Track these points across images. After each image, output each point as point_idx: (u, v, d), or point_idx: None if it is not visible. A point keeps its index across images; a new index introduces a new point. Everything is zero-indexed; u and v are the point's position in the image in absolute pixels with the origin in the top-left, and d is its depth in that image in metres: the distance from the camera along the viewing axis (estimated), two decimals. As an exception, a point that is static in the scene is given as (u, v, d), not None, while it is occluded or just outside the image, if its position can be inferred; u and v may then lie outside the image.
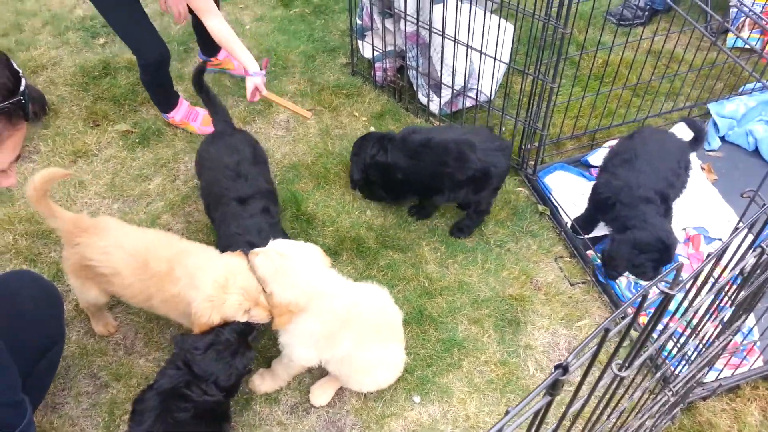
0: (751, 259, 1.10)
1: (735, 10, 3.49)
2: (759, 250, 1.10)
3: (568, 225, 2.85)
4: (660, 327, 1.50)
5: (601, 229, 2.84)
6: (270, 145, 3.18)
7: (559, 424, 0.93)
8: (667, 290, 0.83)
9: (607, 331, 0.75)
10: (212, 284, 2.00)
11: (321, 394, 2.34)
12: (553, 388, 0.73)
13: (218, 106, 2.73)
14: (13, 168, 1.58)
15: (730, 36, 3.67)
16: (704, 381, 2.30)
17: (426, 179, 2.68)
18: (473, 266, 2.75)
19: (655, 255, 2.44)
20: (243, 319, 2.06)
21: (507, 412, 0.68)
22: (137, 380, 2.36)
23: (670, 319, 2.43)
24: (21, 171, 2.99)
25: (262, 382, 2.33)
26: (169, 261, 2.09)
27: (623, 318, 0.81)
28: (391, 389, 2.38)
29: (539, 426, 0.80)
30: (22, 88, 1.46)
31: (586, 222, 2.82)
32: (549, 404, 0.76)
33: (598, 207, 2.68)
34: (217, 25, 2.70)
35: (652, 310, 0.89)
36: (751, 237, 1.19)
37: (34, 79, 3.45)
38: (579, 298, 2.67)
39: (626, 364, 0.95)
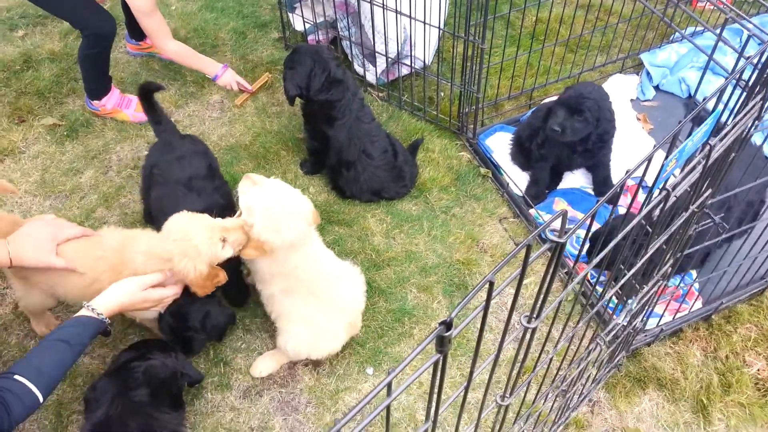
0: (656, 202, 1.11)
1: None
2: (665, 192, 1.10)
3: (510, 185, 2.86)
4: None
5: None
6: (206, 128, 3.10)
7: (469, 380, 0.93)
8: (555, 238, 0.82)
9: (491, 283, 0.74)
10: (174, 243, 1.97)
11: (258, 364, 2.34)
12: (441, 344, 0.72)
13: (163, 115, 2.57)
14: None
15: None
16: (647, 328, 2.35)
17: None
18: (419, 234, 2.75)
19: (573, 100, 2.53)
20: (227, 252, 2.05)
21: (388, 373, 0.67)
22: (83, 379, 2.31)
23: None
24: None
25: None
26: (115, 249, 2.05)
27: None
28: (343, 363, 2.38)
29: (440, 384, 0.80)
30: None
31: (535, 183, 2.84)
32: (442, 362, 0.75)
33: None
34: (174, 47, 2.75)
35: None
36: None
37: (-50, 77, 3.29)
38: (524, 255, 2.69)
39: (534, 315, 0.95)
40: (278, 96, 3.26)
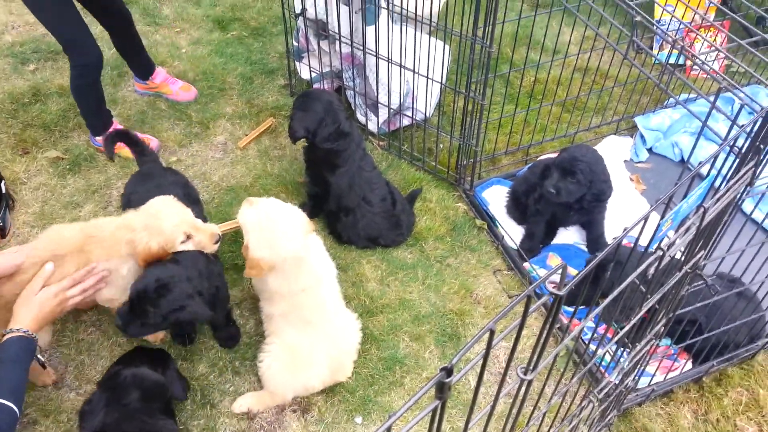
0: (652, 262, 1.14)
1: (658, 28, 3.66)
2: (660, 252, 1.13)
3: (505, 238, 2.90)
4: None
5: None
6: (207, 168, 3.15)
7: (466, 427, 0.94)
8: (554, 291, 0.85)
9: (492, 332, 0.76)
10: (145, 216, 2.09)
11: (240, 399, 2.34)
12: (440, 390, 0.73)
13: (143, 146, 2.66)
14: None
15: (656, 52, 3.83)
16: (638, 387, 2.35)
17: None
18: (414, 282, 2.76)
19: (566, 164, 2.61)
20: (184, 245, 2.12)
21: (389, 417, 0.68)
22: (67, 415, 2.27)
23: (602, 328, 2.48)
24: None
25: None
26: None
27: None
28: (332, 411, 2.35)
29: (438, 428, 0.80)
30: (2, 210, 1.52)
31: (530, 237, 2.88)
32: (441, 408, 0.76)
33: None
34: None
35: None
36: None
37: (-41, 106, 3.34)
38: (517, 309, 2.70)
39: (531, 367, 0.96)
40: (281, 140, 3.32)
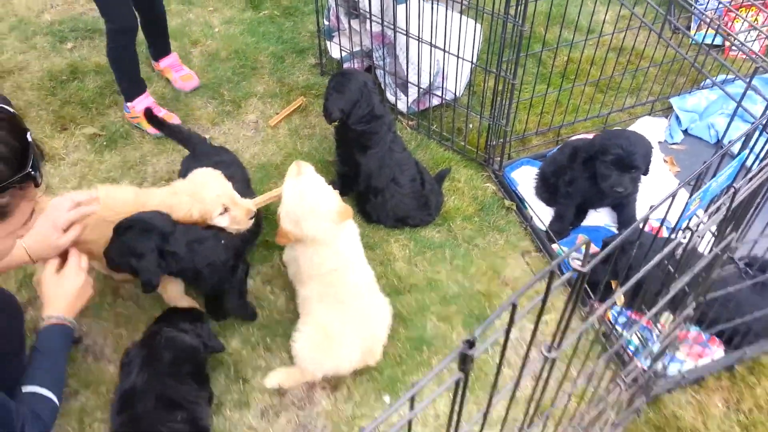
0: (680, 241, 1.13)
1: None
2: (689, 232, 1.13)
3: (534, 219, 2.88)
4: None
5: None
6: (239, 146, 3.19)
7: (487, 407, 0.95)
8: (579, 267, 0.85)
9: (514, 306, 0.77)
10: (189, 184, 2.23)
11: (271, 374, 2.38)
12: (463, 362, 0.75)
13: (186, 132, 2.74)
14: (27, 228, 1.65)
15: (693, 32, 3.73)
16: (668, 374, 2.33)
17: None
18: (441, 263, 2.78)
19: (615, 149, 2.56)
20: (221, 217, 2.23)
21: (413, 385, 0.70)
22: (107, 387, 2.35)
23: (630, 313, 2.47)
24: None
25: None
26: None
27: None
28: (360, 389, 2.39)
29: (460, 405, 0.82)
30: (31, 160, 1.49)
31: (560, 219, 2.87)
32: (464, 381, 0.78)
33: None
34: None
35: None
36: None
37: (1, 84, 3.43)
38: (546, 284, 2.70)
39: (555, 345, 0.97)
40: (311, 119, 3.34)
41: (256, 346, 2.49)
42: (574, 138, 3.08)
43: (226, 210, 2.25)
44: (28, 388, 1.79)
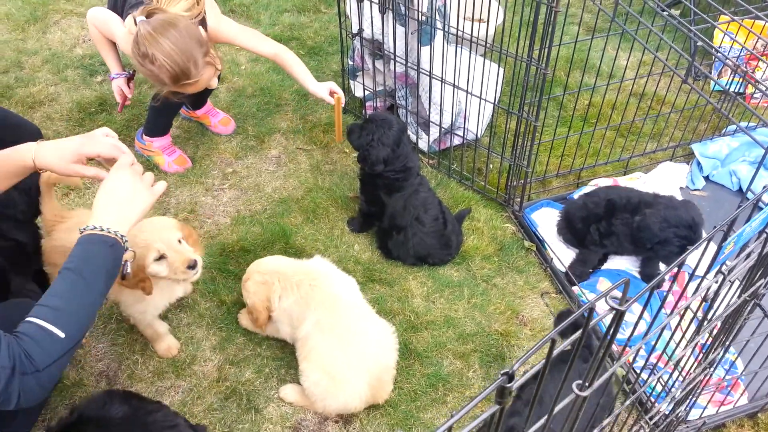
0: (712, 284, 1.12)
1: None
2: (721, 274, 1.12)
3: (554, 261, 2.87)
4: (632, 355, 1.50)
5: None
6: (261, 179, 3.23)
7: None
8: (616, 306, 0.85)
9: (553, 341, 0.77)
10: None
11: (289, 390, 2.40)
12: (501, 395, 0.74)
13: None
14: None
15: (716, 78, 3.77)
16: (689, 419, 2.28)
17: None
18: (459, 301, 2.76)
19: (684, 231, 2.51)
20: (157, 264, 2.07)
21: (452, 416, 0.69)
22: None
23: (654, 356, 2.43)
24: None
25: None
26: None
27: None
28: (374, 424, 2.36)
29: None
30: None
31: (583, 263, 2.86)
32: (499, 413, 0.77)
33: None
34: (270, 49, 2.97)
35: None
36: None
37: (31, 114, 3.52)
38: (585, 321, 2.67)
39: (586, 383, 0.96)
40: (332, 155, 3.39)
41: (270, 377, 2.47)
42: (603, 184, 3.07)
43: (161, 257, 2.08)
44: (29, 319, 1.52)
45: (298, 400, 2.38)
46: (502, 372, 0.71)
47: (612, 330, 0.88)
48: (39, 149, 1.76)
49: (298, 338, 2.31)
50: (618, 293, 2.70)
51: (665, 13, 2.07)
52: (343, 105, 3.06)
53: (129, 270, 1.78)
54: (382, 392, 2.36)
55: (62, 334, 1.49)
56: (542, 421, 0.90)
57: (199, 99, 3.35)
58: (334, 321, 2.26)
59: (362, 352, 2.26)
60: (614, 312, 0.84)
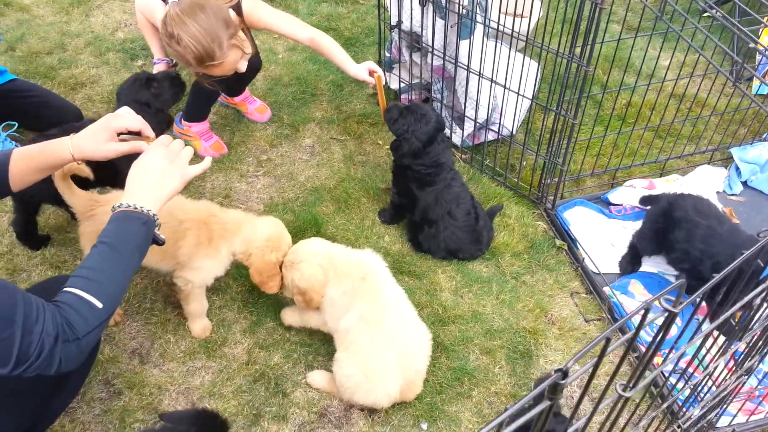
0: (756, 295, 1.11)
1: (761, 57, 3.53)
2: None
3: (585, 260, 2.85)
4: (661, 356, 1.50)
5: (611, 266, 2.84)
6: (294, 168, 3.26)
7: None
8: (669, 308, 0.85)
9: (608, 340, 0.77)
10: (267, 234, 2.38)
11: (318, 376, 2.43)
12: (553, 392, 0.75)
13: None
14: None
15: (756, 82, 3.69)
16: (717, 426, 2.26)
17: None
18: (488, 296, 2.76)
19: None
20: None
21: (505, 409, 0.70)
22: (150, 389, 2.39)
23: (684, 361, 2.40)
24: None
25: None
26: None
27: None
28: (399, 414, 2.37)
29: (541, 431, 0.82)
30: None
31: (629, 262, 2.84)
32: (549, 408, 0.77)
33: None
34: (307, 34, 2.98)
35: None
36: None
37: (73, 96, 3.60)
38: (593, 334, 2.66)
39: (630, 384, 0.96)
40: (365, 146, 3.40)
41: (298, 362, 2.50)
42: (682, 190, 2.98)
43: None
44: (68, 289, 1.56)
45: (325, 387, 2.41)
46: (555, 369, 0.72)
47: (664, 330, 0.87)
48: (75, 142, 1.81)
49: (339, 329, 2.32)
50: (645, 294, 2.66)
51: (715, 11, 2.03)
52: (384, 83, 3.04)
53: (163, 238, 1.82)
54: (410, 393, 2.37)
55: (100, 305, 1.55)
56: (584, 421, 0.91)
57: (237, 86, 3.38)
58: (379, 318, 2.26)
59: (400, 354, 2.26)
60: (667, 313, 0.84)
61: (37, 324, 1.46)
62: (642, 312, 0.81)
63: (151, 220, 1.68)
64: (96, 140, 1.81)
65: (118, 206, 1.67)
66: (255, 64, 3.19)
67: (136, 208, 1.66)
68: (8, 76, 3.23)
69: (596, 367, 0.81)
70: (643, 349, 2.37)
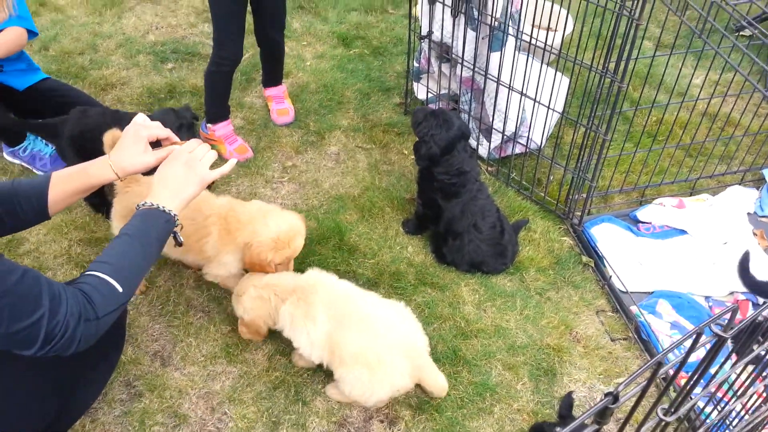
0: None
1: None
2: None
3: (612, 278, 2.81)
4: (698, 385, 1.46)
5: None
6: (319, 175, 3.26)
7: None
8: (720, 332, 0.82)
9: (659, 364, 0.74)
10: (276, 231, 2.34)
11: (331, 388, 2.41)
12: (601, 416, 0.72)
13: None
14: None
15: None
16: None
17: None
18: (511, 311, 2.73)
19: None
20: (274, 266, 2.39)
21: (554, 432, 0.68)
22: (170, 392, 2.39)
23: (713, 387, 2.34)
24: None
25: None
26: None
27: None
28: (419, 428, 2.34)
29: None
30: None
31: None
32: (595, 433, 0.75)
33: None
34: None
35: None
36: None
37: (103, 96, 3.64)
38: (619, 354, 2.61)
39: (671, 409, 0.93)
40: (391, 156, 3.39)
41: (318, 371, 2.48)
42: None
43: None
44: (89, 273, 1.63)
45: (343, 398, 2.39)
46: (606, 392, 0.69)
47: (713, 354, 0.84)
48: (115, 159, 1.85)
49: (319, 347, 2.27)
50: (673, 315, 2.60)
51: (754, 29, 2.00)
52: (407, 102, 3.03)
53: (182, 239, 1.91)
54: (429, 375, 2.31)
55: (120, 288, 1.63)
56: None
57: (269, 72, 3.46)
58: (347, 313, 2.24)
59: (386, 332, 2.23)
60: (717, 338, 0.81)
61: (61, 305, 1.51)
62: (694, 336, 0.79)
63: (173, 220, 1.78)
64: (134, 154, 1.86)
65: (142, 204, 1.76)
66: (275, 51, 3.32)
67: (158, 208, 1.76)
68: (41, 74, 3.27)
69: (644, 391, 0.78)
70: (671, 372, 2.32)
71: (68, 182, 1.84)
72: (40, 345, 1.49)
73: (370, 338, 2.22)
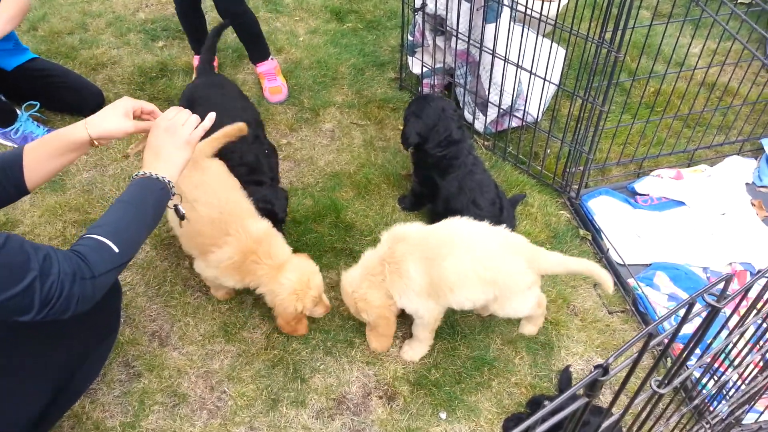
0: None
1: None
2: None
3: (610, 251, 2.80)
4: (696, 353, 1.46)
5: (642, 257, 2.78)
6: (314, 153, 3.24)
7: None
8: (713, 303, 0.81)
9: (650, 336, 0.73)
10: (298, 281, 2.32)
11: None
12: (592, 388, 0.72)
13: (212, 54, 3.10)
14: None
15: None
16: (744, 423, 2.21)
17: None
18: (509, 286, 2.72)
19: None
20: (309, 310, 2.39)
21: (543, 405, 0.67)
22: (169, 372, 2.40)
23: (708, 358, 2.35)
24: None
25: (411, 350, 2.49)
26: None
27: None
28: (417, 402, 2.36)
29: (576, 428, 0.79)
30: None
31: None
32: (586, 405, 0.74)
33: None
34: None
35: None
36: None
37: (94, 76, 3.60)
38: (616, 327, 2.61)
39: (665, 381, 0.92)
40: (386, 132, 3.36)
41: (316, 348, 2.49)
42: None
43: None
44: (85, 235, 1.63)
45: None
46: (596, 365, 0.68)
47: (706, 325, 0.83)
48: (91, 121, 1.82)
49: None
50: (671, 287, 2.59)
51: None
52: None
53: (184, 211, 1.94)
54: (545, 260, 2.31)
55: (116, 249, 1.63)
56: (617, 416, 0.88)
57: (249, 47, 3.47)
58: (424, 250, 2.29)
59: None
60: (710, 308, 0.80)
61: (53, 267, 1.51)
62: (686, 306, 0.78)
63: (167, 187, 1.77)
64: (111, 116, 1.83)
65: (137, 174, 1.76)
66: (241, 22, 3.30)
67: (152, 176, 1.76)
68: (29, 54, 3.23)
69: (636, 363, 0.78)
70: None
71: (41, 147, 1.81)
72: (38, 308, 1.49)
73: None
